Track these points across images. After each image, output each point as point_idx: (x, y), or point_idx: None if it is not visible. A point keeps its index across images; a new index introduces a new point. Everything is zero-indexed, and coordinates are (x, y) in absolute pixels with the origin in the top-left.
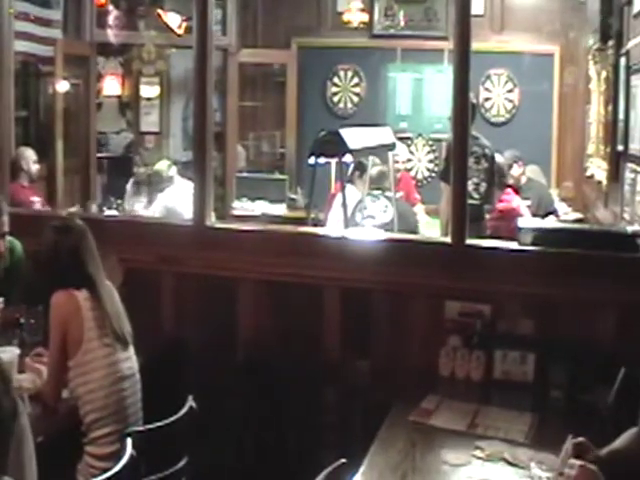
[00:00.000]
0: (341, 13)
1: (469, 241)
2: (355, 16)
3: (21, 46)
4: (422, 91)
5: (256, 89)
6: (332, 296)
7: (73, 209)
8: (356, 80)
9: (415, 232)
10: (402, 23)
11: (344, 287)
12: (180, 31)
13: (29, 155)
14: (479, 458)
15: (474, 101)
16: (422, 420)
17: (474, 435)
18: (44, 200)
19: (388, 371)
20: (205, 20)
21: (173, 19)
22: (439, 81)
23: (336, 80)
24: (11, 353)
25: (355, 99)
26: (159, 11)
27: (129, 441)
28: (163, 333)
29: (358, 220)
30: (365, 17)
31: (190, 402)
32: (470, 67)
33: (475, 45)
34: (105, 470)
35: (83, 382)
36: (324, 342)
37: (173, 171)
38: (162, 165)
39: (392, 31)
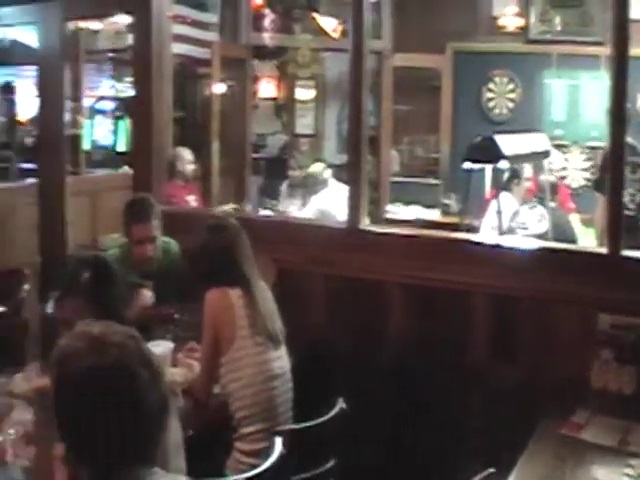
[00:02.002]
0: (496, 18)
1: (625, 252)
2: (510, 21)
3: (179, 48)
4: (578, 97)
5: (410, 93)
6: (481, 302)
7: (228, 208)
8: (511, 86)
9: (573, 242)
10: (558, 28)
11: (494, 294)
12: (335, 34)
13: (185, 156)
14: (631, 476)
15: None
16: (572, 434)
17: (626, 452)
18: (200, 199)
19: (535, 380)
20: (360, 24)
21: (328, 22)
22: (595, 87)
23: (491, 85)
24: (164, 347)
25: (510, 105)
26: (314, 14)
27: (278, 439)
28: (312, 334)
29: (512, 228)
30: (521, 22)
31: (340, 404)
32: (628, 74)
33: (634, 51)
34: (253, 466)
35: (234, 379)
36: (470, 347)
37: (328, 174)
38: (317, 167)
39: (548, 36)
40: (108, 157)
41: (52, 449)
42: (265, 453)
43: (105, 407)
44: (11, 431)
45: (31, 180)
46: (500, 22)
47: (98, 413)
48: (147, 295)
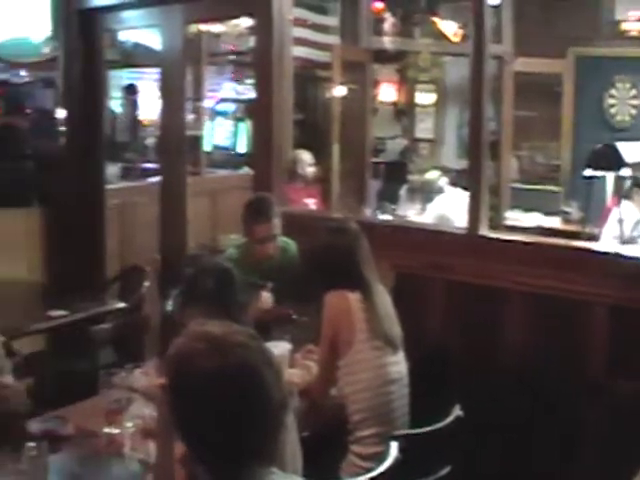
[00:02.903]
0: (619, 22)
1: None
2: (634, 25)
3: (299, 51)
4: None
5: (531, 98)
6: (600, 313)
7: (347, 212)
8: (634, 92)
9: None
10: None
11: (614, 305)
12: (456, 39)
13: (305, 158)
14: None
15: None
16: None
17: None
18: (319, 202)
19: None
20: (481, 28)
21: (449, 26)
22: None
23: (613, 91)
24: (283, 348)
25: (632, 111)
26: (435, 19)
27: (394, 444)
28: (429, 339)
29: (634, 237)
30: None
31: (457, 411)
32: None
33: None
34: (368, 470)
35: (351, 382)
36: (588, 358)
37: (443, 181)
38: (433, 175)
39: None
40: (228, 158)
41: (172, 447)
42: (380, 457)
43: (229, 407)
44: (129, 424)
45: (152, 180)
46: (623, 26)
47: (221, 413)
48: (266, 297)
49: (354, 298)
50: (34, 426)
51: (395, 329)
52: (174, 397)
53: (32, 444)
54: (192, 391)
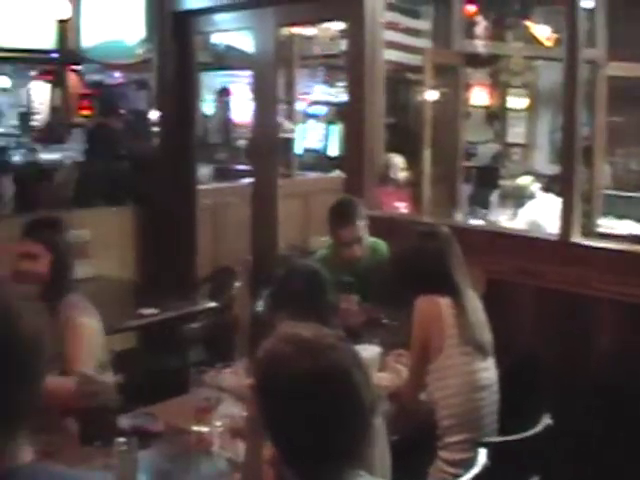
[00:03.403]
0: None
1: None
2: None
3: (390, 55)
4: None
5: (624, 104)
6: None
7: (438, 217)
8: None
9: None
10: None
11: None
12: (549, 43)
13: (397, 162)
14: None
15: None
16: None
17: None
18: (410, 206)
19: None
20: (575, 32)
21: (542, 31)
22: None
23: None
24: (372, 351)
25: None
26: (528, 22)
27: (483, 450)
28: (519, 346)
29: None
30: None
31: (547, 419)
32: None
33: None
34: (456, 476)
35: (440, 387)
36: None
37: (535, 187)
38: (525, 180)
39: None
40: (319, 161)
41: (261, 447)
42: (468, 464)
43: (318, 409)
44: (218, 423)
45: (244, 181)
46: None
47: (310, 415)
48: (353, 300)
49: (445, 303)
50: (124, 422)
51: (486, 335)
52: (263, 398)
53: (122, 439)
54: (281, 393)
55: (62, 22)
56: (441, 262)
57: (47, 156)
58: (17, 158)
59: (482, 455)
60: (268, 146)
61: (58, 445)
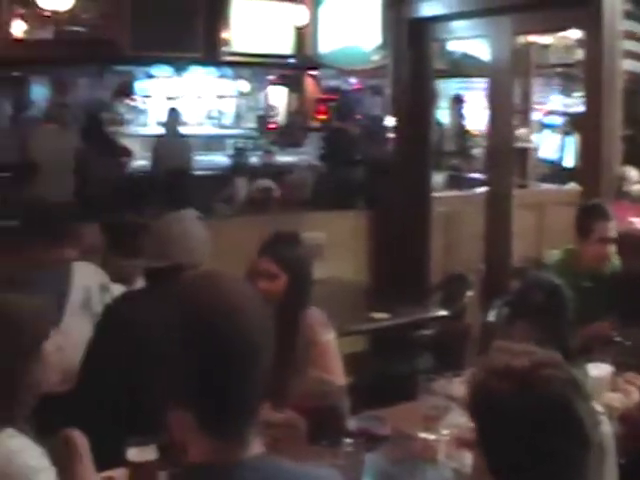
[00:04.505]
0: None
1: None
2: None
3: (629, 65)
4: None
5: None
6: None
7: None
8: None
9: None
10: None
11: None
12: None
13: (633, 176)
14: None
15: None
16: None
17: None
18: None
19: None
20: None
21: None
22: None
23: None
24: (603, 370)
25: None
26: None
27: None
28: None
29: None
30: None
31: None
32: None
33: None
34: None
35: None
36: None
37: None
38: None
39: None
40: (554, 172)
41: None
42: None
43: (538, 442)
44: (445, 432)
45: (479, 190)
46: None
47: (531, 446)
48: (605, 326)
49: None
50: (352, 424)
51: None
52: (477, 422)
53: (350, 441)
54: (497, 425)
55: (299, 28)
56: None
57: (283, 158)
58: (253, 160)
59: None
60: (504, 155)
61: (286, 441)
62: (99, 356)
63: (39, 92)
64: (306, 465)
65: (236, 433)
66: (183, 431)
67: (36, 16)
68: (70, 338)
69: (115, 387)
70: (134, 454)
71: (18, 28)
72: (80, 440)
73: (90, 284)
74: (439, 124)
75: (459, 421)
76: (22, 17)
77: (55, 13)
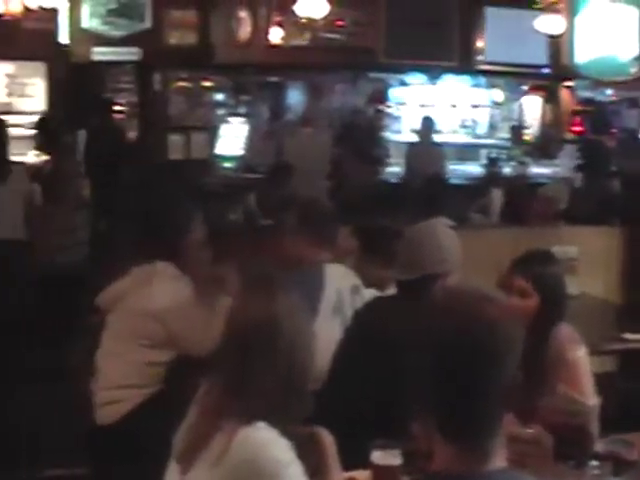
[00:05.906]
0: None
1: None
2: None
3: None
4: None
5: None
6: None
7: None
8: None
9: None
10: None
11: None
12: None
13: None
14: None
15: None
16: None
17: None
18: None
19: None
20: None
21: None
22: None
23: None
24: None
25: None
26: None
27: None
28: None
29: None
30: None
31: None
32: None
33: None
34: None
35: None
36: None
37: None
38: None
39: None
40: None
41: None
42: None
43: None
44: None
45: None
46: None
47: None
48: None
49: None
50: (600, 446)
51: None
52: None
53: (596, 463)
54: None
55: (555, 37)
56: None
57: (537, 170)
58: (507, 170)
59: None
60: None
61: (533, 457)
62: (348, 359)
63: (295, 97)
64: None
65: (478, 444)
66: (428, 439)
67: (293, 23)
68: (320, 339)
69: (362, 390)
70: (378, 457)
71: (276, 35)
72: (327, 438)
73: (342, 286)
74: None
75: None
76: (280, 24)
77: (311, 20)
